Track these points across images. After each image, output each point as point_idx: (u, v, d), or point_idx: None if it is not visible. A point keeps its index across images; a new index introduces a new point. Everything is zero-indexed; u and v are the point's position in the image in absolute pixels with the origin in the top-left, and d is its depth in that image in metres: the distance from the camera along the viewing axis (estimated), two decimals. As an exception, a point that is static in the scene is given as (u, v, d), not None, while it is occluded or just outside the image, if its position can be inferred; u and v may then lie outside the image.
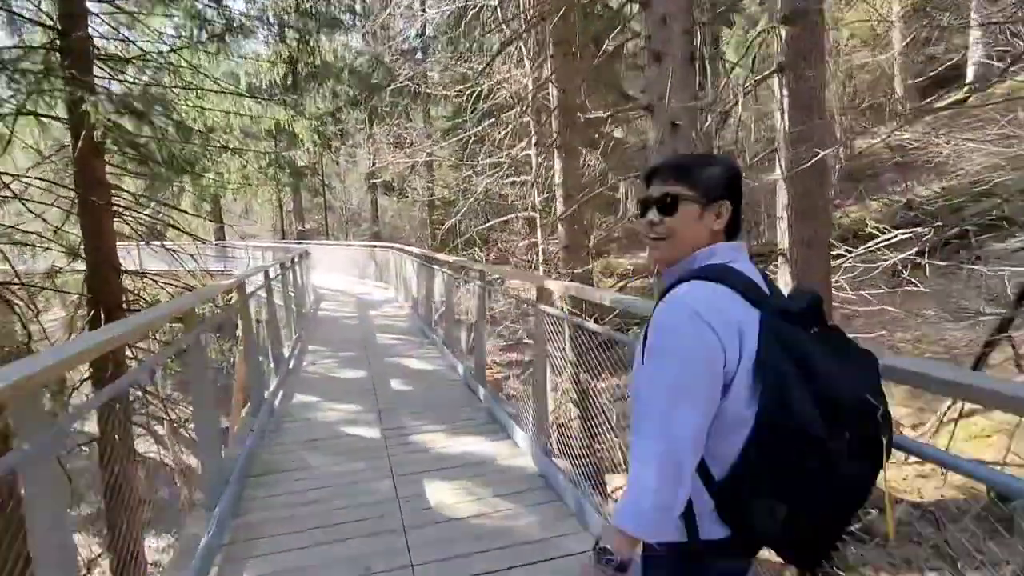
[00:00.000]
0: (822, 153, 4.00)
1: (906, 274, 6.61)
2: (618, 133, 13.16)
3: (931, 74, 11.39)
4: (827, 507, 0.92)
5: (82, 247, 7.77)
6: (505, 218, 11.14)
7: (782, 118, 4.95)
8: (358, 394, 4.81)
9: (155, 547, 11.68)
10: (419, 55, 13.87)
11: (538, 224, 10.71)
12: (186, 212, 11.44)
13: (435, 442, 3.62)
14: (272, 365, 5.32)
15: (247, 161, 11.48)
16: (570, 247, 7.44)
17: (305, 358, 6.29)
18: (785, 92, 4.97)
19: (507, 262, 10.82)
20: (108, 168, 8.88)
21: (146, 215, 8.93)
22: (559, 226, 7.49)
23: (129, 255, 8.62)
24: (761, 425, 0.91)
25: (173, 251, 8.68)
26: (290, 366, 5.81)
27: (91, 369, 7.13)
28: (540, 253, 10.35)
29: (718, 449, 0.95)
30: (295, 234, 23.83)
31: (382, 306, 9.79)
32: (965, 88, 11.82)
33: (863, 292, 6.66)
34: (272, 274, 5.75)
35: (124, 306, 8.24)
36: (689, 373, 0.93)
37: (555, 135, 7.32)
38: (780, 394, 0.90)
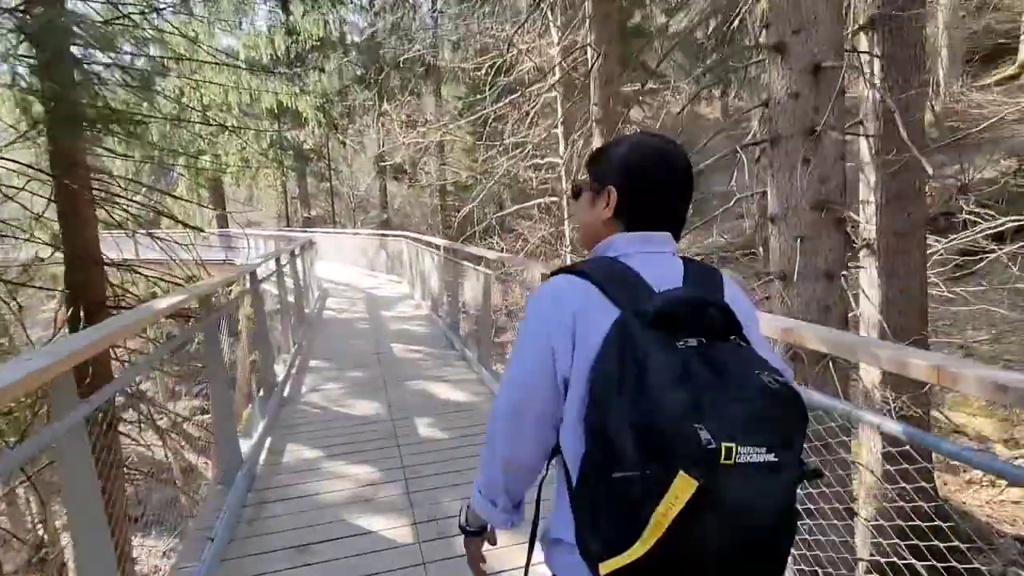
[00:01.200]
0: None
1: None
2: (634, 114, 12.21)
3: (980, 49, 10.33)
4: (653, 559, 0.70)
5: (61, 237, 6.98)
6: (528, 204, 10.26)
7: (870, 82, 4.03)
8: (374, 447, 3.51)
9: (156, 549, 11.14)
10: (431, 23, 12.96)
11: (565, 211, 9.83)
12: (180, 198, 10.66)
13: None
14: (259, 396, 4.18)
15: (246, 142, 10.65)
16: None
17: (305, 380, 5.09)
18: (877, 51, 4.08)
19: (532, 254, 9.94)
20: (94, 149, 8.06)
21: (135, 202, 8.11)
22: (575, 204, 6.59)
23: (120, 246, 7.82)
24: (585, 442, 0.82)
25: (162, 240, 7.86)
26: (285, 393, 4.61)
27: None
28: (569, 243, 9.49)
29: (570, 452, 0.88)
30: (300, 221, 23.04)
31: (396, 304, 8.60)
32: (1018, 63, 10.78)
33: (956, 289, 5.72)
34: (261, 273, 4.69)
35: (109, 302, 7.47)
36: (526, 369, 0.90)
37: (593, 107, 6.40)
38: (601, 408, 0.79)
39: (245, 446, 3.21)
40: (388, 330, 6.87)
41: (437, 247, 7.17)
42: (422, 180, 15.54)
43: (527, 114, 10.03)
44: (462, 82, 16.68)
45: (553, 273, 0.94)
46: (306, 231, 17.34)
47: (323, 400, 4.53)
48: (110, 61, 7.99)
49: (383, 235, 11.41)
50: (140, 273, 7.92)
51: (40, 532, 8.71)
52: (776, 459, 0.70)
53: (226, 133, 10.10)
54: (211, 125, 9.32)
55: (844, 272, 2.49)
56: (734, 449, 0.68)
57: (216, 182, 18.35)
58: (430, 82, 17.76)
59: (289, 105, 11.39)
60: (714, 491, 0.67)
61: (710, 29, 8.75)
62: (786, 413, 0.74)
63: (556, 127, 9.88)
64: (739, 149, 2.89)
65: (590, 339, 0.83)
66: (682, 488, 0.67)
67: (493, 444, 0.95)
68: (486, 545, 1.09)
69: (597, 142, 6.54)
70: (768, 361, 0.79)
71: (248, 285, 4.40)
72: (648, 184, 0.94)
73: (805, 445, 0.85)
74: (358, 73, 18.21)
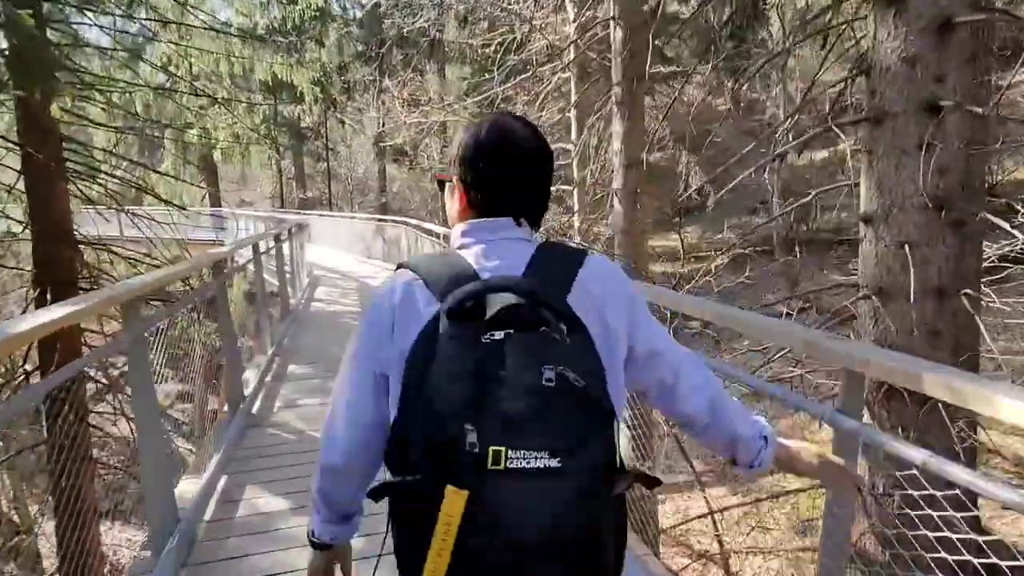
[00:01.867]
0: None
1: None
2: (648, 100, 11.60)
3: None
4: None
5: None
6: None
7: None
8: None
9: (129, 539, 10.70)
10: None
11: (575, 201, 9.30)
12: (166, 175, 10.07)
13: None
14: (221, 414, 3.55)
15: (237, 116, 10.03)
16: (630, 230, 6.01)
17: (280, 392, 4.23)
18: None
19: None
20: (69, 118, 7.47)
21: (115, 177, 7.52)
22: (615, 203, 6.05)
23: (103, 222, 7.24)
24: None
25: (144, 218, 7.31)
26: (253, 410, 3.77)
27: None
28: (578, 235, 8.96)
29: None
30: (296, 203, 22.42)
31: None
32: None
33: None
34: (240, 258, 4.05)
35: (84, 283, 6.93)
36: (349, 371, 0.87)
37: (616, 89, 5.84)
38: (401, 408, 0.75)
39: (191, 489, 2.52)
40: None
41: (438, 236, 6.64)
42: (423, 163, 14.91)
43: (537, 96, 9.46)
44: (468, 61, 16.04)
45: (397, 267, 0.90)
46: (300, 213, 16.75)
47: (299, 420, 3.66)
48: (91, 21, 7.38)
49: (381, 220, 10.79)
50: (116, 253, 7.37)
51: (14, 518, 8.23)
52: (559, 464, 0.63)
53: (216, 106, 9.47)
54: (199, 96, 8.69)
55: (968, 291, 1.98)
56: (503, 453, 0.62)
57: (207, 159, 17.71)
58: (434, 60, 17.09)
59: (285, 78, 10.76)
60: (481, 501, 0.62)
61: (726, 15, 8.15)
62: (572, 413, 0.67)
63: (568, 110, 9.31)
64: (833, 127, 2.35)
65: (407, 339, 0.78)
66: (453, 503, 0.61)
67: (320, 450, 0.92)
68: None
69: (618, 128, 5.98)
70: (573, 356, 0.70)
71: (210, 278, 3.63)
72: (489, 170, 0.87)
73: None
74: (359, 48, 17.50)
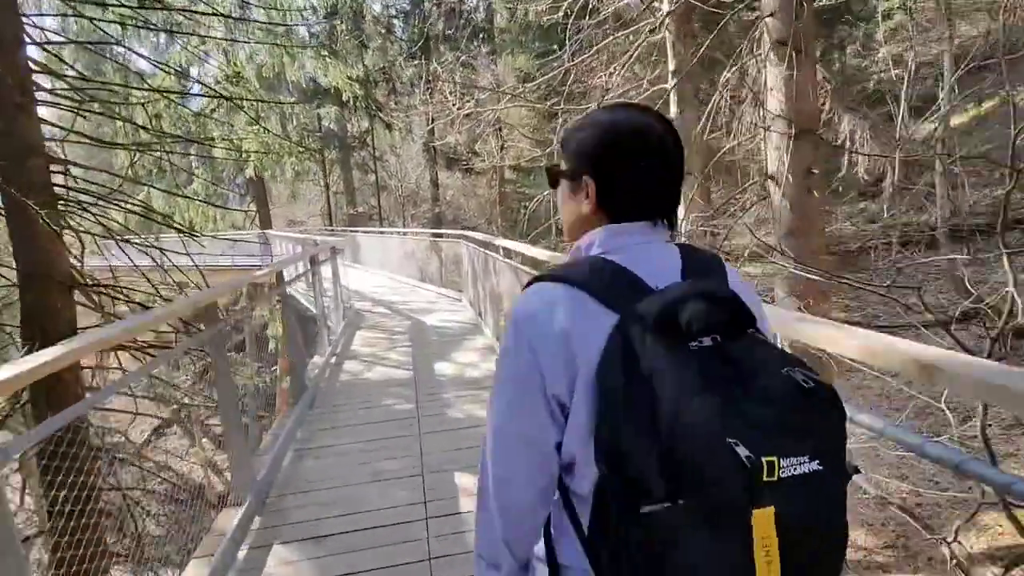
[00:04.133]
0: None
1: None
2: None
3: None
4: None
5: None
6: None
7: None
8: None
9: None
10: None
11: (682, 194, 7.30)
12: (189, 197, 8.95)
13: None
14: None
15: (265, 123, 8.75)
16: (800, 230, 4.14)
17: None
18: None
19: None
20: (57, 133, 6.34)
21: (117, 203, 6.28)
22: (773, 193, 4.15)
23: (116, 257, 6.07)
24: (597, 473, 0.73)
25: (154, 249, 6.04)
26: None
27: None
28: (683, 237, 6.99)
29: (579, 491, 0.79)
30: (346, 219, 21.51)
31: (458, 345, 5.67)
32: None
33: None
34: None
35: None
36: (511, 403, 0.80)
37: (770, 21, 3.96)
38: (611, 433, 0.69)
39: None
40: (450, 418, 3.83)
41: (514, 255, 4.90)
42: (482, 159, 13.35)
43: (619, 68, 7.61)
44: (523, 47, 14.43)
45: (530, 282, 0.84)
46: (347, 231, 15.61)
47: None
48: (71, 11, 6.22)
49: (436, 236, 9.17)
50: (118, 295, 6.10)
51: None
52: (821, 466, 0.63)
53: (242, 113, 8.20)
54: (217, 97, 7.41)
55: None
56: (776, 463, 0.61)
57: (256, 178, 16.94)
58: (486, 47, 15.55)
59: (322, 80, 9.42)
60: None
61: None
62: (825, 413, 0.67)
63: (667, 81, 7.38)
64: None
65: (587, 355, 0.73)
66: (763, 524, 0.60)
67: (487, 494, 0.85)
68: None
69: (776, 80, 4.10)
70: (795, 356, 0.72)
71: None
72: (627, 169, 0.83)
73: None
74: (403, 44, 16.30)
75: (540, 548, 0.86)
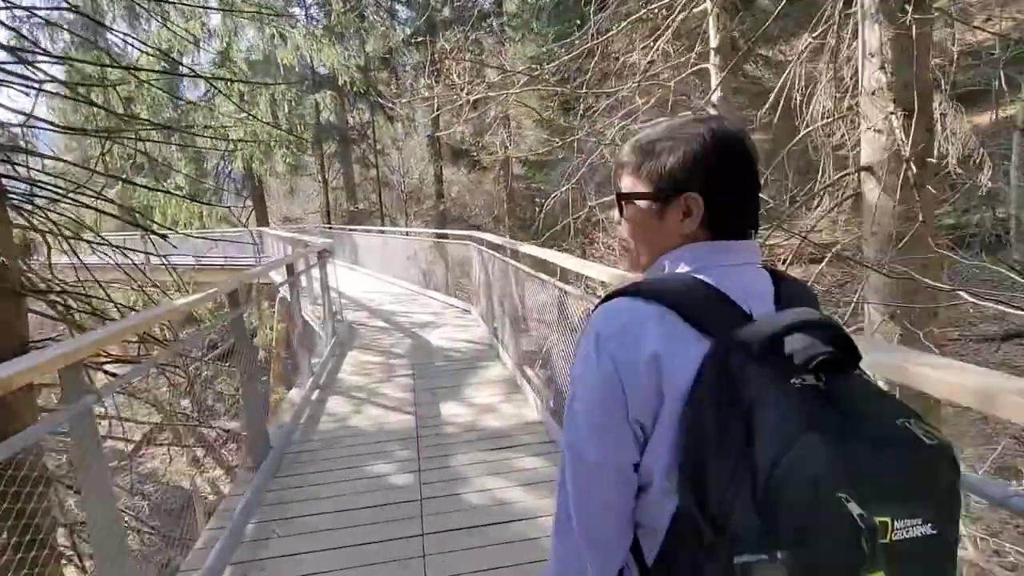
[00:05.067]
0: None
1: None
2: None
3: None
4: None
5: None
6: None
7: None
8: None
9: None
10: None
11: None
12: (170, 192, 8.13)
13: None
14: None
15: (253, 109, 7.92)
16: (905, 236, 3.35)
17: None
18: None
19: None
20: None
21: (73, 200, 5.45)
22: (875, 191, 3.34)
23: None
24: (677, 511, 0.71)
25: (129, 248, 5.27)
26: None
27: None
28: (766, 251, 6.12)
29: (646, 521, 0.77)
30: (346, 217, 20.67)
31: (474, 374, 4.68)
32: None
33: None
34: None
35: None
36: (593, 428, 0.76)
37: (873, 21, 3.13)
38: (695, 464, 0.66)
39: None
40: (465, 503, 2.77)
41: (537, 264, 4.01)
42: (491, 151, 12.47)
43: (653, 44, 6.77)
44: (538, 32, 13.56)
45: (608, 296, 0.79)
46: (344, 230, 14.76)
47: None
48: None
49: (442, 238, 8.22)
50: (86, 302, 5.30)
51: None
52: (936, 531, 0.58)
53: (228, 99, 7.36)
54: (198, 78, 6.58)
55: None
56: (889, 525, 0.55)
57: (250, 172, 16.10)
58: (492, 38, 14.69)
59: (317, 63, 8.58)
60: None
61: None
62: (944, 472, 0.60)
63: (708, 60, 6.55)
64: None
65: (677, 381, 0.69)
66: None
67: (567, 523, 0.83)
68: None
69: (877, 44, 3.24)
70: (905, 404, 0.64)
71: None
72: (735, 186, 0.79)
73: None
74: (408, 31, 15.44)
75: None
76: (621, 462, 0.74)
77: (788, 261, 4.26)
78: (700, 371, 0.67)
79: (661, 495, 0.72)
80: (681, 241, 0.79)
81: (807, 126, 4.44)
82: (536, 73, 7.58)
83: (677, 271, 0.78)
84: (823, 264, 4.02)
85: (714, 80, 6.47)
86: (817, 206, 4.68)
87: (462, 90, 8.01)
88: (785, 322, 0.65)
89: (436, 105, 8.72)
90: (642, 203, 0.81)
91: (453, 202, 19.51)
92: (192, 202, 9.17)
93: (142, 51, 6.95)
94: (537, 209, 15.70)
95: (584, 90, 6.99)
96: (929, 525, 0.56)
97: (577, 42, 7.34)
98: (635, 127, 7.19)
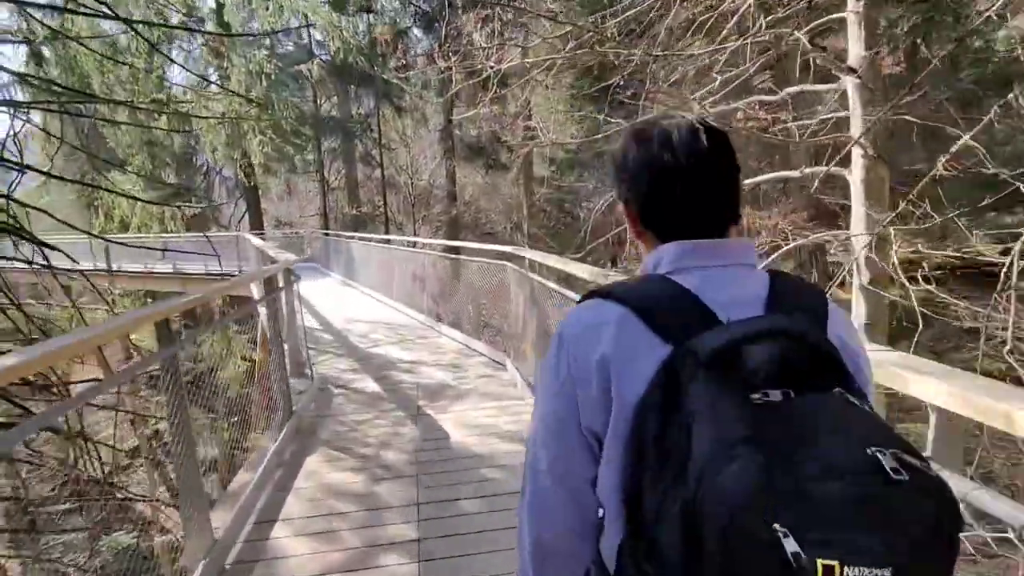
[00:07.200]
0: None
1: None
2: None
3: None
4: None
5: None
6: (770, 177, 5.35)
7: None
8: None
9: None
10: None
11: (858, 187, 4.97)
12: (117, 193, 6.44)
13: None
14: None
15: (221, 75, 6.23)
16: None
17: None
18: None
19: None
20: None
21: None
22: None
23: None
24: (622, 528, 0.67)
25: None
26: None
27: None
28: (862, 259, 4.63)
29: (605, 554, 0.70)
30: (349, 221, 18.96)
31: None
32: None
33: None
34: None
35: None
36: (546, 426, 0.73)
37: None
38: (637, 486, 0.63)
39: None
40: None
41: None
42: (517, 141, 10.68)
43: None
44: (569, 14, 11.83)
45: (583, 298, 0.78)
46: (341, 236, 12.99)
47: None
48: None
49: (453, 250, 6.27)
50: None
51: None
52: None
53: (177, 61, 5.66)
54: (131, 23, 4.83)
55: None
56: (836, 570, 0.47)
57: (247, 167, 14.37)
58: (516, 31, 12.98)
59: (297, 15, 6.92)
60: None
61: None
62: (924, 514, 0.51)
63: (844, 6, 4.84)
64: None
65: (629, 387, 0.66)
66: None
67: (522, 528, 0.78)
68: None
69: None
70: (894, 432, 0.56)
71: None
72: (657, 184, 0.77)
73: None
74: (420, 11, 13.79)
75: None
76: (573, 473, 0.71)
77: None
78: (652, 381, 0.63)
79: (610, 523, 0.67)
80: (648, 243, 0.78)
81: None
82: (586, 35, 5.80)
83: (659, 271, 0.74)
84: None
85: (855, 42, 4.70)
86: None
87: (488, 58, 6.29)
88: (745, 330, 0.61)
89: (453, 82, 7.00)
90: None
91: (467, 206, 17.77)
92: (148, 203, 7.48)
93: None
94: (563, 216, 14.00)
95: (658, 52, 5.21)
96: None
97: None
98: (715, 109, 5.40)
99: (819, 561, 0.46)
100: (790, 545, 0.46)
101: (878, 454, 0.50)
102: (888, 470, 0.49)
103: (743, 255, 0.74)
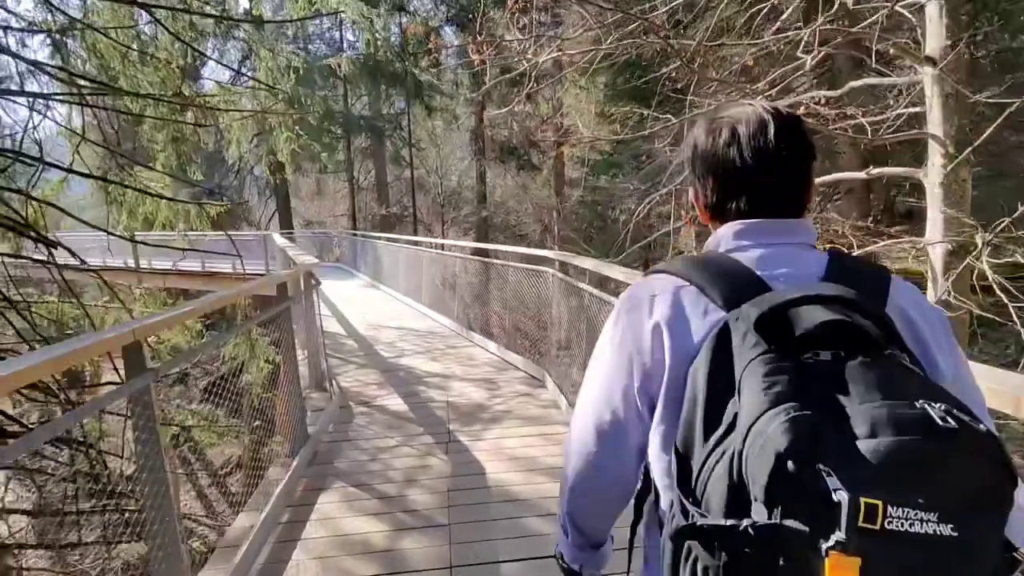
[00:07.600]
0: None
1: None
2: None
3: None
4: None
5: None
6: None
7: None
8: None
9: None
10: None
11: (933, 186, 4.46)
12: (140, 188, 6.30)
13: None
14: None
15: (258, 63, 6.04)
16: None
17: None
18: None
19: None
20: None
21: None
22: None
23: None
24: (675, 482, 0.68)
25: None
26: None
27: None
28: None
29: (662, 498, 0.74)
30: (378, 221, 18.84)
31: None
32: None
33: None
34: None
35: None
36: (600, 387, 0.78)
37: None
38: (684, 440, 0.65)
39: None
40: None
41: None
42: (550, 142, 10.31)
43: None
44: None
45: (646, 274, 0.83)
46: (369, 236, 12.80)
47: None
48: None
49: (482, 253, 5.88)
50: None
51: None
52: (955, 532, 0.49)
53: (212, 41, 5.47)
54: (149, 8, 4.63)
55: None
56: (879, 509, 0.48)
57: (276, 166, 14.29)
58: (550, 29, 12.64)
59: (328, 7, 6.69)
60: (862, 570, 0.47)
61: None
62: (970, 464, 0.51)
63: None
64: None
65: (682, 348, 0.69)
66: (839, 571, 0.47)
67: (565, 469, 0.85)
68: None
69: None
70: (946, 391, 0.57)
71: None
72: (725, 169, 0.77)
73: None
74: (450, 9, 13.55)
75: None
76: (615, 431, 0.74)
77: None
78: (705, 344, 0.65)
79: (659, 484, 0.70)
80: (713, 226, 0.80)
81: None
82: (633, 24, 5.40)
83: (719, 250, 0.76)
84: None
85: (932, 16, 4.21)
86: None
87: (524, 51, 5.94)
88: (793, 295, 0.62)
89: (488, 76, 6.69)
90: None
91: (497, 208, 17.43)
92: (172, 201, 7.32)
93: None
94: (596, 219, 13.53)
95: (718, 42, 4.78)
96: (949, 526, 0.48)
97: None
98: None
99: (863, 500, 0.46)
100: (833, 483, 0.47)
101: (927, 406, 0.51)
102: (936, 419, 0.50)
103: (802, 234, 0.75)
